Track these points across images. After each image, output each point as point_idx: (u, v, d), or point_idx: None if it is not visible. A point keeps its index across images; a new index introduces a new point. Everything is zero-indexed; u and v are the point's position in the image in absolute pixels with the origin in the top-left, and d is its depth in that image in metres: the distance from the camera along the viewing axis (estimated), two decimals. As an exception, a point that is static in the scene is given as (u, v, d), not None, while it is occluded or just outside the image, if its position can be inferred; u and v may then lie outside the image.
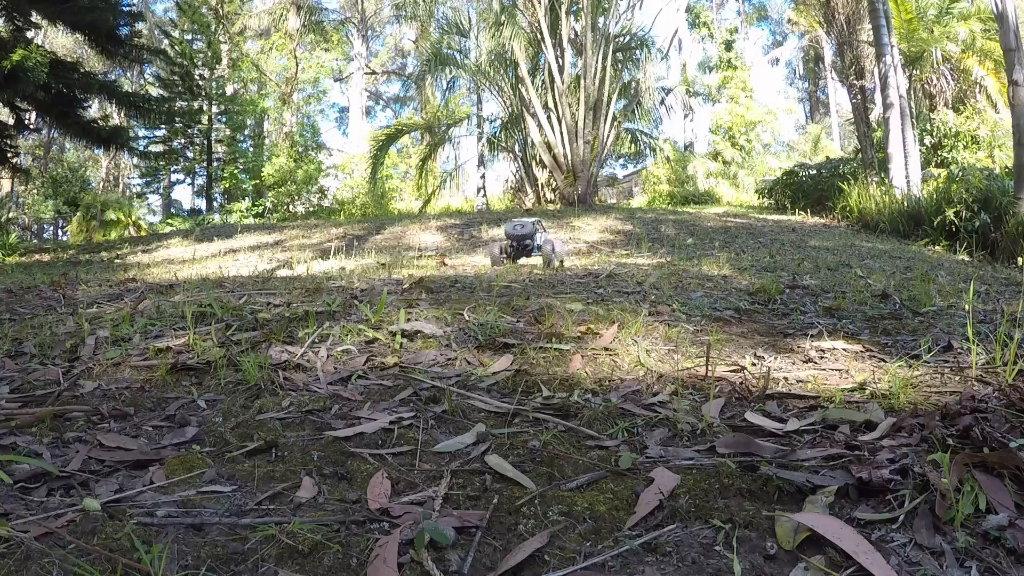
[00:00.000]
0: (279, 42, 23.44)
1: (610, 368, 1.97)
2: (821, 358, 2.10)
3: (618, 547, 0.99)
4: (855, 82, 13.61)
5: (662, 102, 15.80)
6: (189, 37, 19.87)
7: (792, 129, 32.44)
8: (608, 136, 13.50)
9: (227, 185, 20.33)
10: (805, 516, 1.02)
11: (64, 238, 19.98)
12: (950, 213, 8.02)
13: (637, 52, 14.59)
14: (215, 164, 20.30)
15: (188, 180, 22.26)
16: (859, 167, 12.66)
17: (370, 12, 26.41)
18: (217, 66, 20.23)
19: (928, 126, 13.35)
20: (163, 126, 18.90)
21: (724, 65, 24.88)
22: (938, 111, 13.53)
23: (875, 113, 13.29)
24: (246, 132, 21.78)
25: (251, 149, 21.50)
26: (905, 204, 9.26)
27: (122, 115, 12.79)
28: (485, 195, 19.05)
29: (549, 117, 13.20)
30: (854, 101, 14.07)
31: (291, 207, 18.93)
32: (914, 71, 12.95)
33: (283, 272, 5.84)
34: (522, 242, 4.93)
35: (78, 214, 17.21)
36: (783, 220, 10.71)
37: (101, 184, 28.09)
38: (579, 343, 2.22)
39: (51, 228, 25.27)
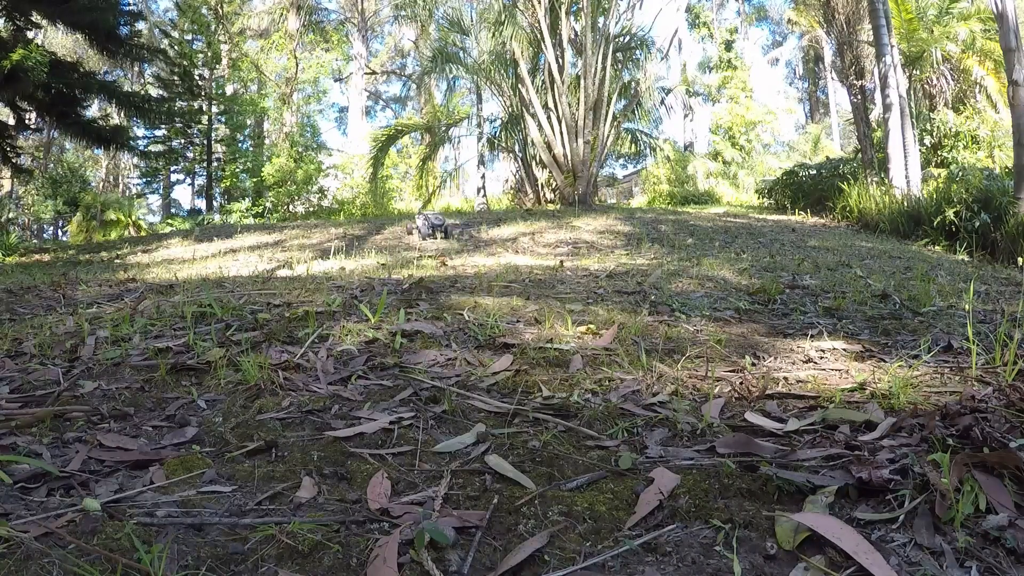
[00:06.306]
0: (279, 42, 23.42)
1: (610, 368, 1.97)
2: (821, 358, 2.10)
3: (618, 547, 0.99)
4: (855, 82, 13.60)
5: (662, 102, 15.79)
6: (189, 37, 19.86)
7: (792, 129, 32.40)
8: (608, 136, 13.49)
9: (227, 185, 20.33)
10: (805, 516, 1.02)
11: (64, 238, 19.97)
12: (950, 213, 8.01)
13: (637, 52, 14.58)
14: (215, 164, 20.29)
15: (188, 180, 22.28)
16: (859, 167, 12.64)
17: (370, 12, 26.39)
18: (217, 66, 20.22)
19: (928, 126, 13.33)
20: (163, 126, 18.89)
21: (724, 65, 24.89)
22: (938, 111, 13.51)
23: (875, 113, 13.27)
24: (246, 132, 21.77)
25: (251, 149, 21.49)
26: (905, 204, 9.24)
27: (122, 115, 12.78)
28: (485, 195, 19.03)
29: (549, 117, 13.19)
30: (854, 101, 14.06)
31: (291, 207, 18.90)
32: (914, 71, 12.94)
33: (283, 272, 5.83)
34: (439, 228, 8.29)
35: (78, 214, 17.22)
36: (783, 220, 10.70)
37: (101, 184, 28.09)
38: (579, 343, 2.22)
39: (51, 228, 25.28)
